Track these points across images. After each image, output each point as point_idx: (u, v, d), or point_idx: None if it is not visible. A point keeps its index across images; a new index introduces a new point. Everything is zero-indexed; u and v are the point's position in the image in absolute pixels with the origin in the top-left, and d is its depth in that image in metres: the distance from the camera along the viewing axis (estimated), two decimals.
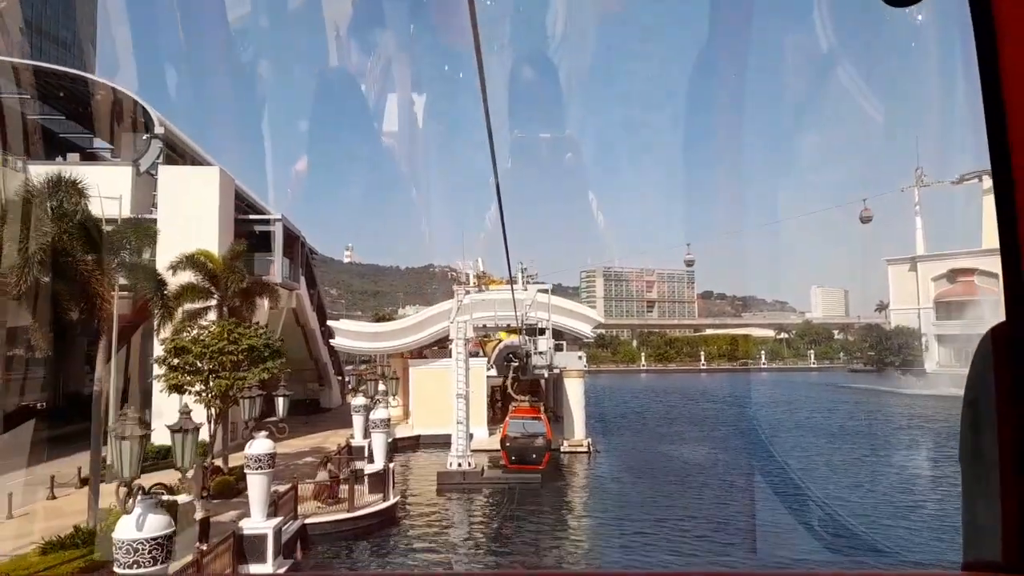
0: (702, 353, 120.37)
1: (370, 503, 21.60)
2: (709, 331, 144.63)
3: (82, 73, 42.51)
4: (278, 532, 15.83)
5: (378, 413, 22.69)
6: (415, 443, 37.94)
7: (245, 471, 15.92)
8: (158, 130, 38.60)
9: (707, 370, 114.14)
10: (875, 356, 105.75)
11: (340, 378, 56.18)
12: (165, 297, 24.35)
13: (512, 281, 21.22)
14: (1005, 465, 0.92)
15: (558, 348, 29.41)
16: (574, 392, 35.49)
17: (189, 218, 31.59)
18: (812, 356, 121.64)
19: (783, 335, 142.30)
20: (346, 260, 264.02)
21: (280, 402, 20.21)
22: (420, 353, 42.14)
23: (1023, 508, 0.90)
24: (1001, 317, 0.98)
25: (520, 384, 38.98)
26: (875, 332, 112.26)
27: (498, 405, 43.04)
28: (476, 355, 45.60)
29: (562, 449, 34.51)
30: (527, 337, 29.18)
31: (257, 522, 15.29)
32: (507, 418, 30.70)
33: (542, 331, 27.91)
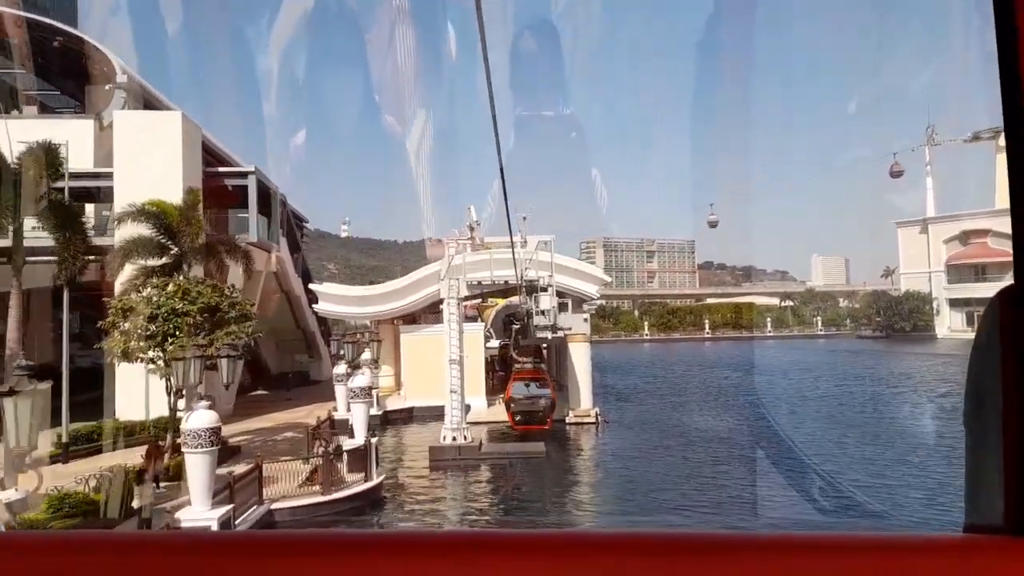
0: (706, 321, 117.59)
1: (350, 484, 18.62)
2: (711, 300, 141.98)
3: (39, 18, 38.35)
4: (227, 523, 12.83)
5: (358, 380, 19.55)
6: (408, 416, 35.04)
7: (183, 450, 12.87)
8: (120, 79, 35.01)
9: (712, 338, 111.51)
10: (884, 322, 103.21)
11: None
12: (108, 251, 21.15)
13: (511, 232, 18.06)
14: (1009, 429, 0.91)
15: (562, 309, 26.18)
16: (580, 358, 32.45)
17: (148, 169, 28.17)
18: (819, 323, 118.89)
19: (787, 302, 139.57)
20: (343, 235, 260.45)
21: (224, 366, 16.97)
22: (414, 319, 39.03)
23: None
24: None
25: (521, 350, 36.03)
26: (882, 298, 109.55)
27: (498, 374, 40.04)
28: (474, 319, 42.64)
29: (568, 420, 31.61)
30: (527, 296, 26.05)
31: (198, 512, 12.28)
32: (510, 380, 30.17)
33: (544, 289, 24.73)
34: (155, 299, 20.94)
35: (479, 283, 25.44)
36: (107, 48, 37.02)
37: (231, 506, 13.38)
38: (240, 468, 18.33)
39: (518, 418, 28.37)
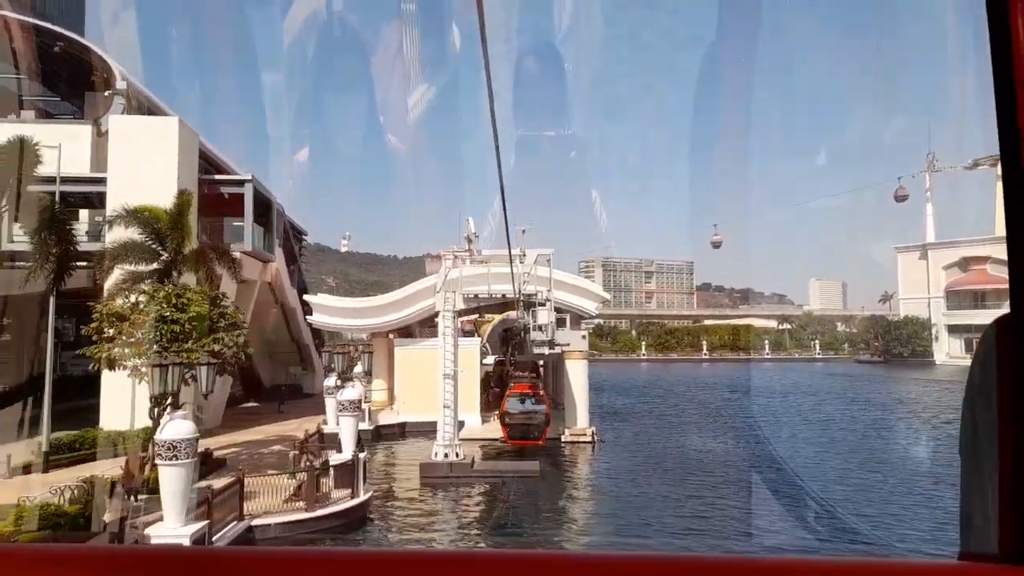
0: (704, 343, 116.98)
1: (335, 500, 17.95)
2: (708, 321, 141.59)
3: (40, 23, 38.12)
4: (201, 540, 12.18)
5: (347, 393, 18.93)
6: (401, 431, 34.33)
7: (156, 462, 12.25)
8: (120, 85, 34.76)
9: (709, 360, 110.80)
10: (882, 346, 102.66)
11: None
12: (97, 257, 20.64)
13: (509, 244, 17.56)
14: (1004, 458, 0.91)
15: (560, 325, 25.64)
16: (577, 375, 31.84)
17: (143, 174, 27.74)
18: (817, 346, 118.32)
19: (785, 325, 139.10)
20: (343, 249, 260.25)
21: (203, 375, 16.28)
22: (408, 332, 38.45)
23: (1020, 500, 0.89)
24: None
25: (517, 366, 35.44)
26: (880, 323, 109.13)
27: (493, 390, 39.38)
28: (471, 335, 42.02)
29: (563, 439, 30.93)
30: (525, 311, 25.50)
31: (170, 528, 11.64)
32: (506, 395, 30.16)
33: (542, 303, 24.17)
34: (143, 305, 20.42)
35: (476, 296, 24.90)
36: (108, 55, 36.85)
37: (206, 522, 12.73)
38: (223, 481, 17.66)
39: (513, 433, 28.33)
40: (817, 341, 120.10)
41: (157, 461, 12.01)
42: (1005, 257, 0.96)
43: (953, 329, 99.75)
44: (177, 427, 11.93)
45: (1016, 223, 0.93)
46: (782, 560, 0.96)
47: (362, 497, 18.37)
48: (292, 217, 60.20)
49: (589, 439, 30.86)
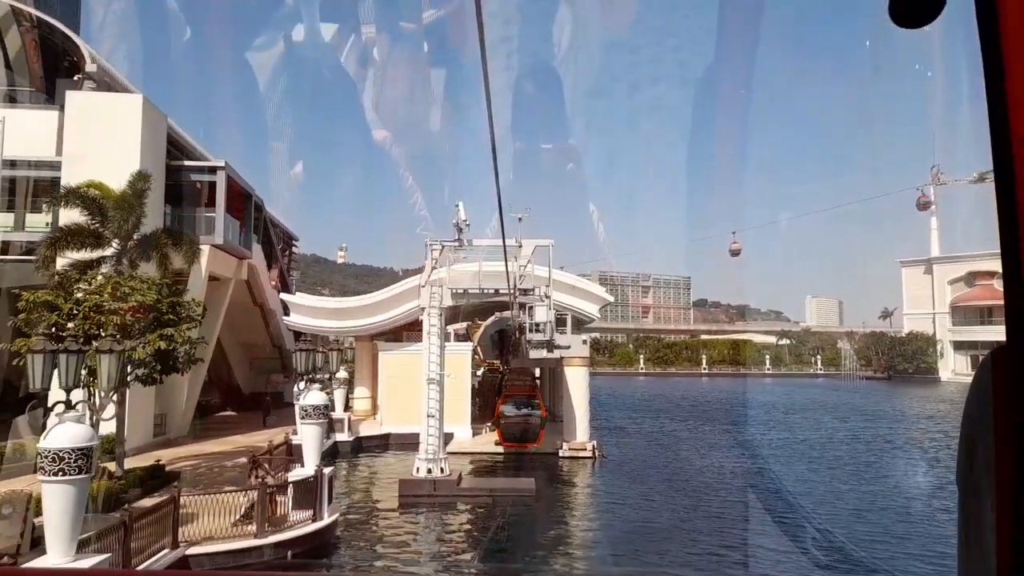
0: (704, 357, 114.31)
1: (293, 524, 15.12)
2: (705, 336, 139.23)
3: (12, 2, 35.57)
4: None
5: (311, 398, 16.08)
6: (384, 443, 31.47)
7: (39, 477, 9.42)
8: (90, 68, 32.25)
9: (709, 374, 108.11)
10: (886, 363, 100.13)
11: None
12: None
13: (503, 226, 14.94)
14: (1001, 487, 0.91)
15: (560, 326, 22.89)
16: (577, 384, 29.09)
17: (101, 156, 25.05)
18: (819, 362, 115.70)
19: (784, 341, 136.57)
20: (339, 261, 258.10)
21: (104, 364, 13.22)
22: (397, 336, 35.64)
23: (1017, 535, 0.88)
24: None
25: (512, 372, 32.89)
26: (883, 339, 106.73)
27: (486, 399, 36.50)
28: (466, 339, 39.33)
29: (561, 454, 28.13)
30: (520, 309, 22.81)
31: (57, 559, 8.85)
32: (501, 396, 29.59)
33: (542, 299, 21.43)
34: (77, 294, 17.70)
35: (465, 292, 22.19)
36: (79, 38, 34.45)
37: (107, 556, 9.89)
38: (154, 500, 14.83)
39: (508, 435, 27.86)
40: (819, 357, 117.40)
41: (39, 476, 9.23)
42: None
43: (959, 346, 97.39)
44: (66, 432, 9.15)
45: (1011, 253, 0.91)
46: None
47: (326, 520, 15.53)
48: (287, 225, 57.98)
49: (590, 454, 28.08)
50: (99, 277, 17.84)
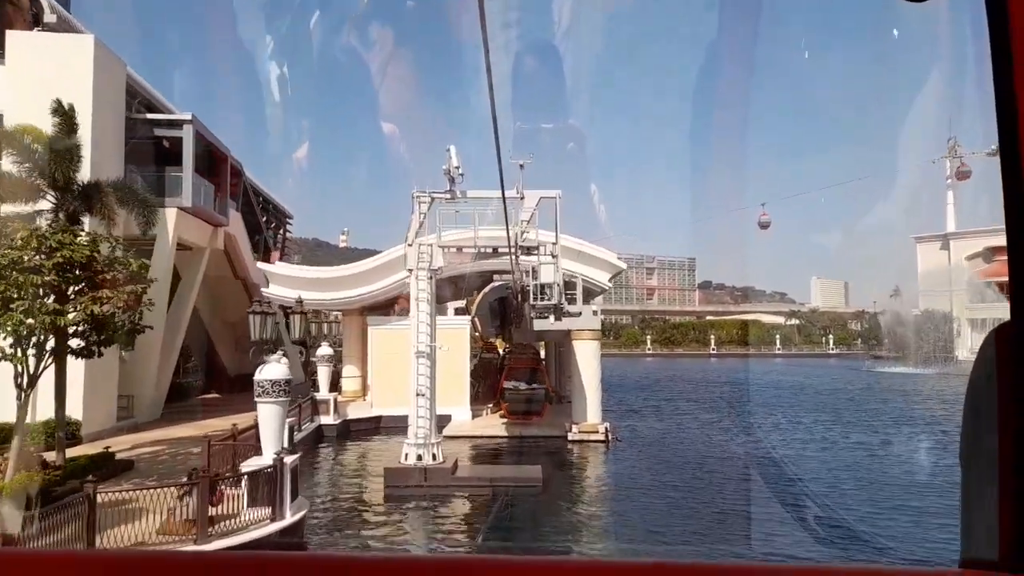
0: (712, 338, 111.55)
1: (246, 525, 12.25)
2: (711, 317, 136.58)
3: None
4: None
5: (269, 371, 13.00)
6: (375, 426, 28.69)
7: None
8: (49, 18, 29.08)
9: (717, 355, 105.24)
10: (900, 342, 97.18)
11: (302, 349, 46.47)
12: None
13: (501, 175, 11.94)
14: (1004, 466, 0.92)
15: (568, 290, 19.78)
16: (587, 361, 26.15)
17: (48, 104, 21.97)
18: (831, 342, 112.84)
19: (793, 321, 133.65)
20: (342, 245, 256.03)
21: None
22: (390, 310, 32.71)
23: (1020, 509, 0.90)
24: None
25: (514, 348, 30.13)
26: (897, 318, 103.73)
27: (486, 377, 33.58)
28: (465, 313, 36.54)
29: (570, 436, 25.31)
30: (523, 272, 19.82)
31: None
32: (504, 372, 29.71)
33: (550, 256, 18.33)
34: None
35: (459, 249, 19.14)
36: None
37: None
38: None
39: (513, 408, 27.90)
40: (831, 336, 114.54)
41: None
42: None
43: (976, 324, 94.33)
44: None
45: (1017, 230, 0.90)
46: (785, 567, 0.95)
47: (288, 519, 12.65)
48: (299, 217, 55.00)
49: (602, 437, 25.22)
50: (21, 232, 14.89)
